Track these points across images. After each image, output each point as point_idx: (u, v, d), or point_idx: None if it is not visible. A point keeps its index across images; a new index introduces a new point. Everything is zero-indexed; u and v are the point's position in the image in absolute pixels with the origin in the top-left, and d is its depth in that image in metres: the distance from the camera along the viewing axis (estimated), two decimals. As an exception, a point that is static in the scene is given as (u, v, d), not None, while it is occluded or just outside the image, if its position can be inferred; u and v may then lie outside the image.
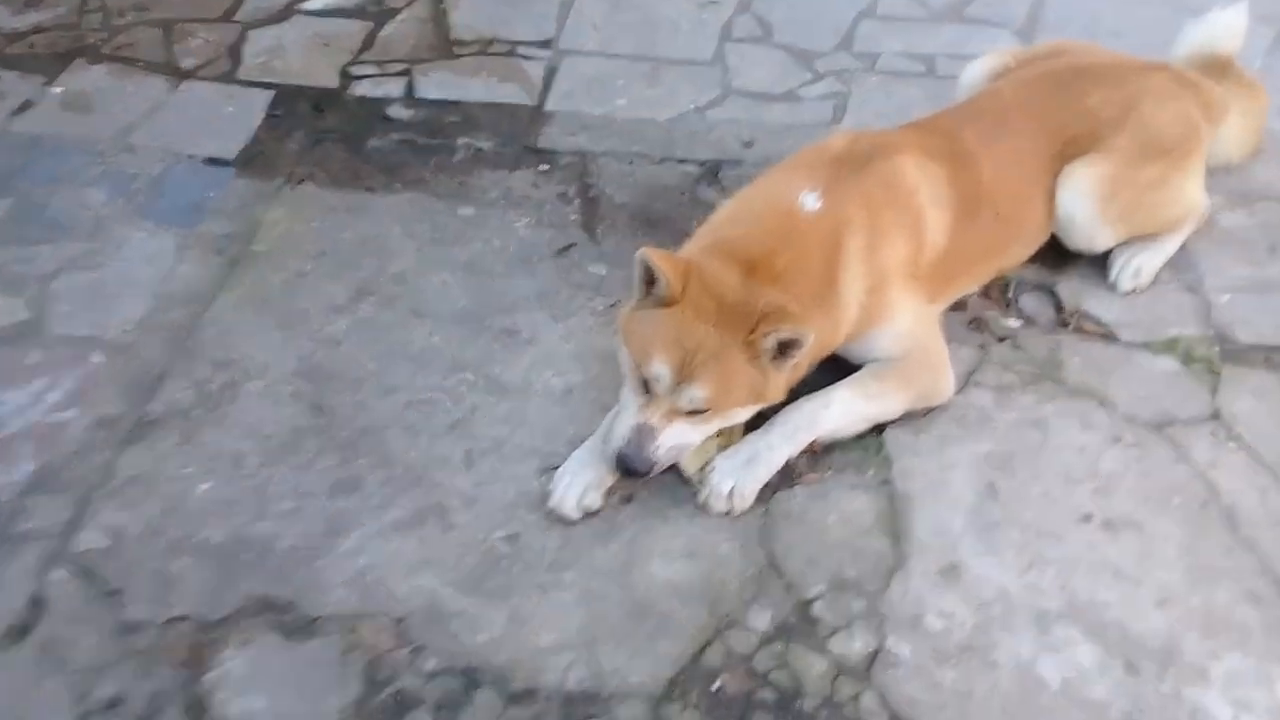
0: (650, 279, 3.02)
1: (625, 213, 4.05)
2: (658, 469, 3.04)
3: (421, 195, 4.12)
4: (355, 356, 3.55)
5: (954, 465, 3.25)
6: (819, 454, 3.28)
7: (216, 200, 4.11)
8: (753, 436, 3.19)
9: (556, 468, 3.17)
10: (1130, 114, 3.59)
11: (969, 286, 3.64)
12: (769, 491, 3.17)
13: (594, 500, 3.12)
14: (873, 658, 2.82)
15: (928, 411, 3.37)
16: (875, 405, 3.25)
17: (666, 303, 3.00)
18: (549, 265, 3.85)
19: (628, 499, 3.18)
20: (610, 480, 3.16)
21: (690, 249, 3.19)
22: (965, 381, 3.45)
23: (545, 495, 3.14)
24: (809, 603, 2.94)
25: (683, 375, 2.94)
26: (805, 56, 4.77)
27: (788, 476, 3.22)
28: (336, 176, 4.19)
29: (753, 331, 2.94)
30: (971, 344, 3.54)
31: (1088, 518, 3.11)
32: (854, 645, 2.85)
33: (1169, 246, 3.78)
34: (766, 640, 2.86)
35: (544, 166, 4.24)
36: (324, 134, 4.38)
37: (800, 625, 2.90)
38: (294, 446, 3.31)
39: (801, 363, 3.11)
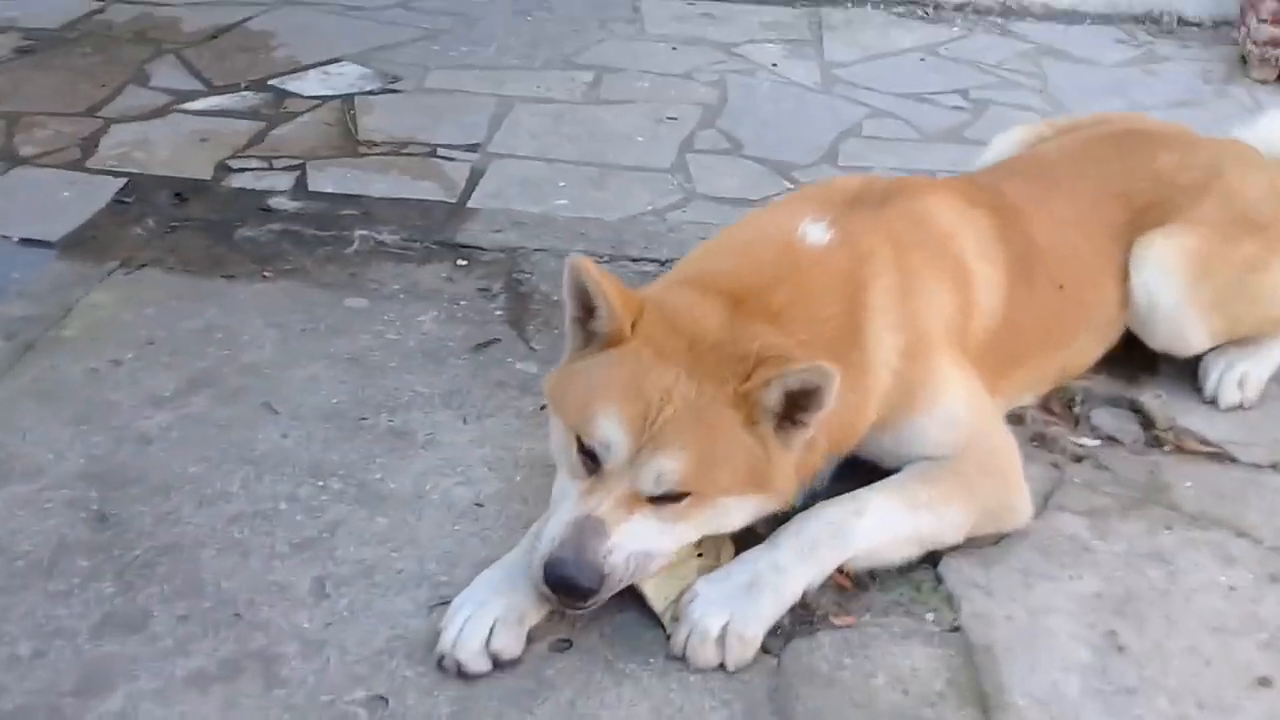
0: (587, 308, 2.05)
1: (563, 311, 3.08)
2: (609, 588, 1.98)
3: (298, 284, 3.15)
4: (170, 458, 2.47)
5: (1051, 610, 2.20)
6: (850, 589, 2.20)
7: (22, 282, 3.09)
8: (752, 554, 2.12)
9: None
10: (1214, 181, 2.81)
11: (1030, 385, 2.69)
12: (778, 639, 2.08)
13: (508, 643, 1.99)
14: None
15: (999, 540, 2.33)
16: (926, 520, 2.21)
17: (611, 340, 2.03)
18: (462, 363, 2.85)
19: (563, 645, 2.06)
20: (534, 614, 2.05)
21: (649, 290, 2.23)
22: (1042, 505, 2.43)
23: (434, 638, 2.00)
24: (859, 805, 1.79)
25: (645, 438, 1.94)
26: (781, 167, 4.00)
27: (806, 619, 2.13)
28: (191, 264, 3.22)
29: (747, 379, 1.97)
30: (1040, 462, 2.55)
31: (1265, 681, 2.06)
32: None
33: (1274, 355, 2.90)
34: None
35: (462, 261, 3.31)
36: (184, 222, 3.43)
37: (849, 841, 1.73)
38: (54, 568, 2.18)
39: (818, 446, 2.09)
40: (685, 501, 1.99)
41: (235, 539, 2.26)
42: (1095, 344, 2.82)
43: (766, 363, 1.98)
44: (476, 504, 2.38)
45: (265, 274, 3.19)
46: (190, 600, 2.11)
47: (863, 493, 2.20)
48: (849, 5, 5.69)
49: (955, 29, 5.53)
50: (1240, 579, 2.29)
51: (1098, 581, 2.27)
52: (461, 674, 1.96)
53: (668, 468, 1.95)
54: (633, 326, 2.04)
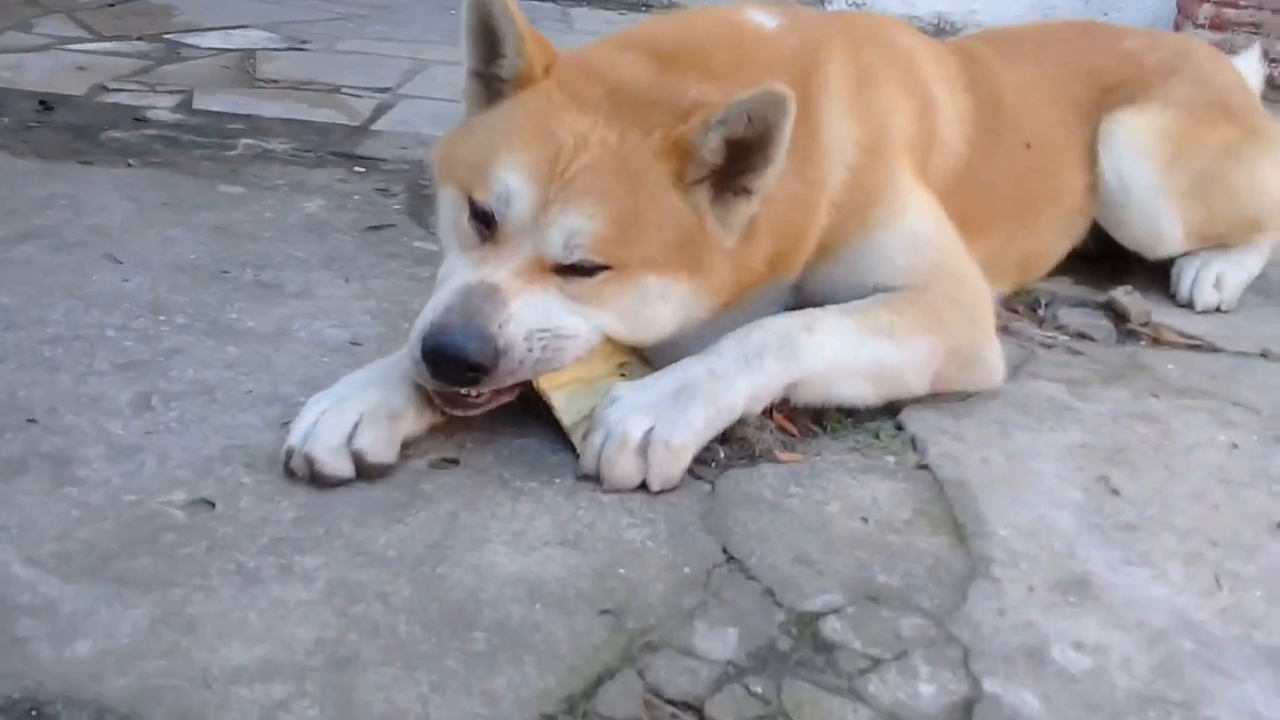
0: (489, 49, 1.72)
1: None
2: (505, 370, 1.58)
3: (165, 173, 2.77)
4: (-18, 292, 2.03)
5: (1032, 455, 1.86)
6: (796, 436, 1.83)
7: None
8: (684, 361, 1.74)
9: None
10: (1183, 63, 2.60)
11: (993, 267, 2.36)
12: (713, 469, 1.69)
13: (376, 444, 1.58)
14: (965, 710, 1.26)
15: (966, 398, 1.99)
16: (887, 350, 1.86)
17: (519, 82, 1.69)
18: (349, 238, 2.48)
19: (447, 463, 1.65)
20: (412, 418, 1.65)
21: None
22: (1013, 375, 2.10)
23: (281, 448, 1.59)
24: (814, 619, 1.40)
25: (553, 190, 1.58)
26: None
27: (745, 454, 1.75)
28: (45, 152, 2.82)
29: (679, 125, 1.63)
30: (1006, 344, 2.22)
31: (1287, 526, 1.71)
32: (920, 689, 1.30)
33: (1251, 261, 2.66)
34: (734, 674, 1.29)
35: (359, 169, 2.96)
36: (45, 124, 3.04)
37: (802, 653, 1.34)
38: None
39: (761, 242, 1.75)
40: (600, 277, 1.63)
41: (45, 357, 1.83)
42: (1060, 234, 2.54)
43: (701, 107, 1.64)
44: (353, 343, 1.99)
45: (129, 163, 2.80)
46: (-28, 406, 1.67)
47: (816, 310, 1.85)
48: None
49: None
50: (1243, 439, 1.98)
51: (1083, 434, 1.93)
52: (315, 477, 1.55)
53: (580, 226, 1.58)
54: (546, 70, 1.70)
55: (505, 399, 1.66)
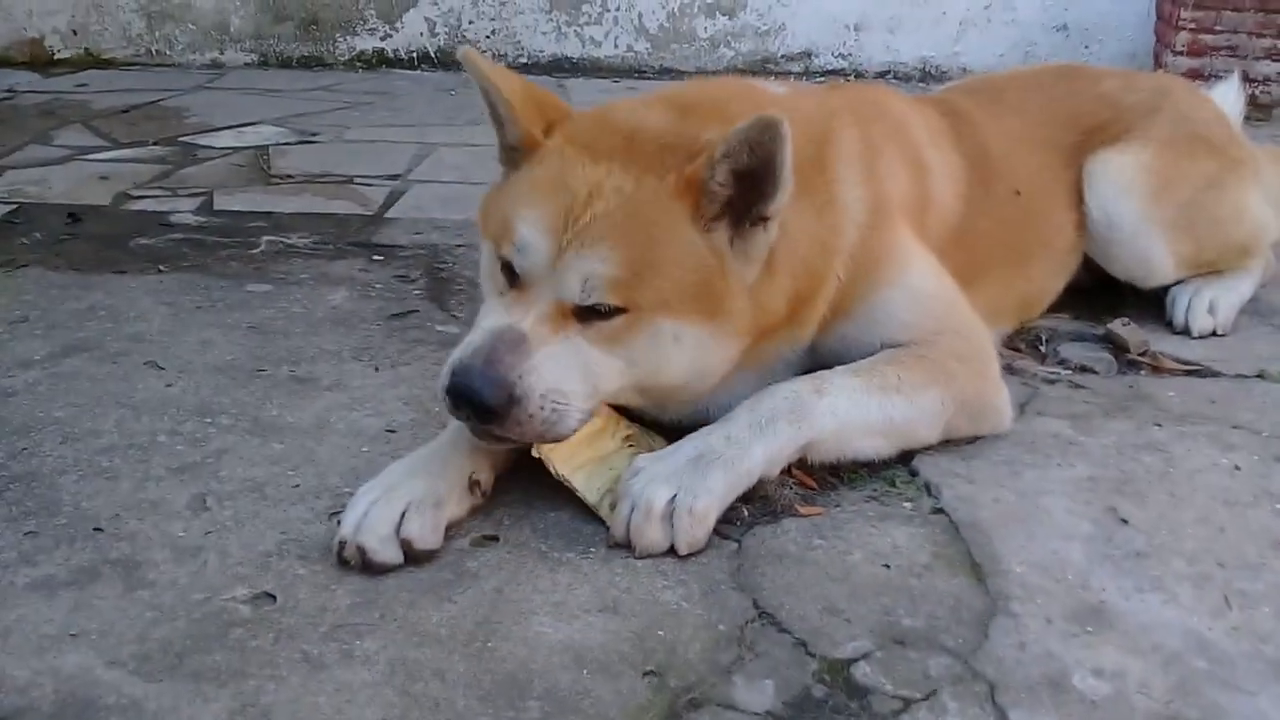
0: (497, 116, 1.87)
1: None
2: (518, 420, 1.67)
3: (195, 276, 2.89)
4: (36, 406, 2.16)
5: (1042, 492, 1.95)
6: (815, 488, 1.92)
7: (-111, 282, 2.80)
8: (700, 430, 1.85)
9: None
10: (1162, 101, 2.71)
11: (992, 311, 2.46)
12: (738, 527, 1.80)
13: (423, 531, 1.68)
14: (996, 742, 1.35)
15: (975, 440, 2.09)
16: (898, 405, 1.96)
17: (525, 144, 1.83)
18: (376, 328, 2.60)
19: (488, 540, 1.75)
20: (456, 502, 1.77)
21: None
22: (1019, 413, 2.20)
23: (331, 539, 1.70)
24: (845, 665, 1.49)
25: (568, 237, 1.69)
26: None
27: (767, 511, 1.85)
28: (79, 264, 2.96)
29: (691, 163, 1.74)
30: (1010, 383, 2.32)
31: (1290, 543, 1.79)
32: (952, 725, 1.38)
33: (1242, 287, 2.75)
34: (775, 723, 1.37)
35: (378, 257, 3.08)
36: (75, 236, 3.18)
37: (837, 700, 1.44)
38: (-118, 501, 1.83)
39: (780, 280, 1.85)
40: (619, 320, 1.72)
41: (103, 467, 1.94)
42: (1055, 274, 2.65)
43: (713, 145, 1.72)
44: (389, 430, 2.10)
45: (160, 269, 2.93)
46: (41, 519, 1.78)
47: (825, 372, 1.96)
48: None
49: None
50: (1244, 461, 2.07)
51: (1090, 468, 2.02)
52: (366, 565, 1.65)
53: (595, 269, 1.68)
54: (549, 130, 1.83)
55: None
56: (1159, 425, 2.19)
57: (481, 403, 1.63)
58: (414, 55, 5.94)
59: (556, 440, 1.74)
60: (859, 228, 1.99)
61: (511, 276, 1.76)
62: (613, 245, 1.68)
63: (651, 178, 1.73)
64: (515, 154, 1.88)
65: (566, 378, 1.70)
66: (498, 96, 1.82)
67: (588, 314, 1.71)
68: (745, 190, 1.73)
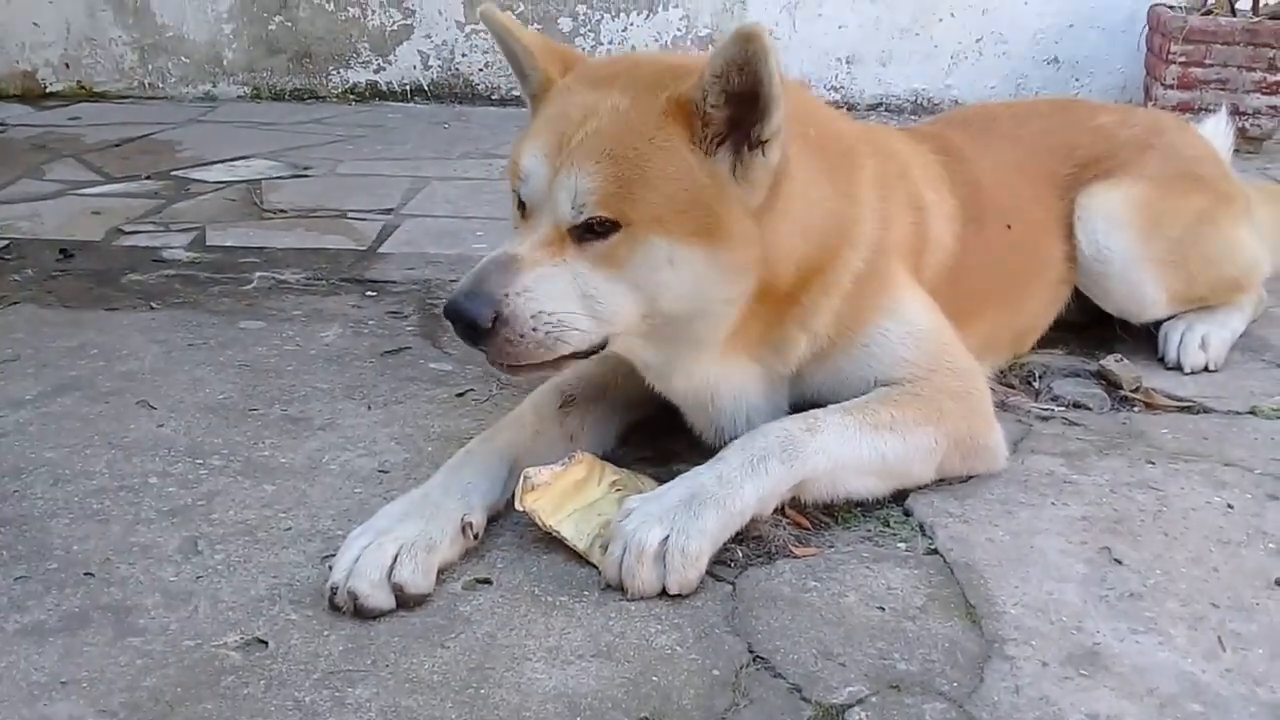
0: (519, 67, 1.94)
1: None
2: (508, 340, 1.70)
3: (187, 312, 2.89)
4: (27, 447, 2.15)
5: (1036, 532, 1.94)
6: (809, 528, 1.92)
7: (-122, 320, 2.79)
8: (691, 471, 1.84)
9: (350, 553, 1.74)
10: (1155, 138, 2.74)
11: (987, 348, 2.48)
12: (731, 569, 1.79)
13: (415, 576, 1.67)
14: (993, 791, 1.35)
15: (969, 478, 2.09)
16: (891, 444, 1.95)
17: (542, 87, 1.90)
18: (368, 365, 2.59)
19: (481, 584, 1.75)
20: (449, 546, 1.76)
21: None
22: (1013, 450, 2.20)
23: (323, 583, 1.69)
24: (840, 711, 1.48)
25: (562, 159, 1.72)
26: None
27: (761, 552, 1.84)
28: (71, 300, 2.95)
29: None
30: (1004, 420, 2.32)
31: (1284, 583, 1.79)
32: (948, 773, 1.37)
33: (1234, 322, 2.77)
34: (769, 772, 1.36)
35: (371, 293, 3.08)
36: (67, 272, 3.18)
37: (832, 746, 1.41)
38: None
39: (791, 216, 1.84)
40: (615, 239, 1.72)
41: (93, 510, 1.93)
42: (1047, 305, 2.66)
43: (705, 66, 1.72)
44: (381, 470, 2.09)
45: (153, 305, 2.92)
46: (32, 563, 1.77)
47: (817, 410, 1.95)
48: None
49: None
50: (1237, 499, 2.06)
51: (1084, 507, 2.02)
52: (358, 611, 1.64)
53: (582, 184, 1.70)
54: (566, 73, 1.88)
55: (541, 371, 1.82)
56: (1152, 463, 2.19)
57: (469, 319, 1.67)
58: (407, 88, 5.97)
59: (555, 361, 1.76)
60: (868, 245, 2.00)
61: (523, 209, 1.80)
62: (599, 160, 1.70)
63: (646, 97, 1.74)
64: (538, 102, 1.91)
65: (559, 300, 1.71)
66: (517, 44, 1.88)
67: (584, 235, 1.73)
68: (743, 114, 1.72)
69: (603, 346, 1.81)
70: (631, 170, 1.70)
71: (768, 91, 1.69)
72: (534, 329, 1.69)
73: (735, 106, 1.71)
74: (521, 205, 1.82)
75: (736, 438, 1.92)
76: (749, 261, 1.79)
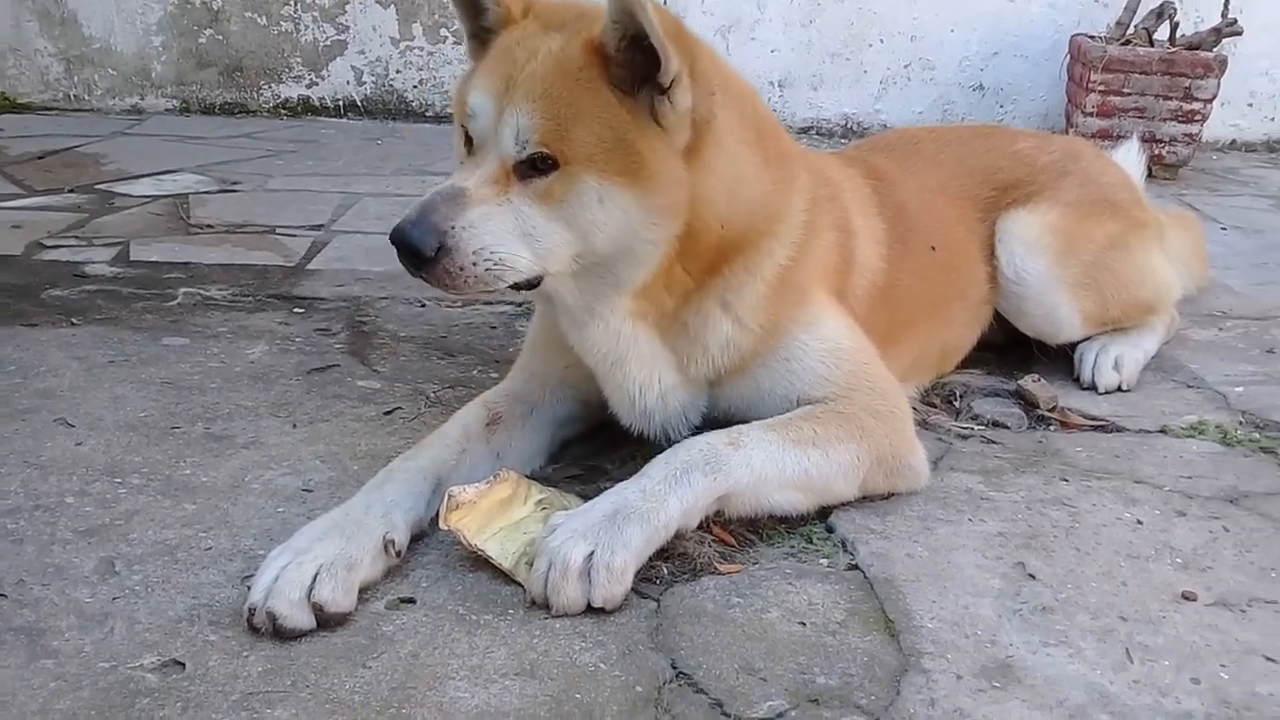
0: (475, 5, 1.96)
1: (412, 343, 2.86)
2: (450, 271, 1.78)
3: (109, 329, 2.84)
4: (-61, 467, 2.10)
5: (954, 548, 1.98)
6: (734, 545, 1.94)
7: None
8: (616, 486, 1.86)
9: (272, 573, 1.73)
10: (1072, 164, 2.82)
11: (912, 367, 2.53)
12: (657, 585, 1.80)
13: (335, 595, 1.67)
14: (907, 803, 1.37)
15: (890, 496, 2.13)
16: (814, 459, 1.98)
17: (502, 23, 1.94)
18: (295, 383, 2.57)
19: (405, 603, 1.74)
20: (370, 565, 1.75)
21: None
22: (933, 468, 2.24)
23: (242, 604, 1.67)
24: (760, 726, 1.50)
25: (506, 100, 1.80)
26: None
27: (686, 569, 1.86)
28: (-16, 317, 2.88)
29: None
30: (925, 439, 2.36)
31: (1188, 596, 1.85)
32: (864, 786, 1.39)
33: (1146, 344, 2.85)
34: (689, 787, 1.38)
35: (299, 310, 3.06)
36: (-18, 289, 3.11)
37: (751, 761, 1.43)
38: None
39: (719, 178, 1.91)
40: (553, 176, 1.79)
41: (7, 530, 1.89)
42: (970, 324, 2.72)
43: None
44: (305, 489, 2.07)
45: (73, 321, 2.87)
46: (-59, 585, 1.73)
47: (741, 426, 1.98)
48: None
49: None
50: (1146, 515, 2.13)
51: (1000, 523, 2.07)
52: (277, 631, 1.62)
53: (524, 121, 1.78)
54: (525, 12, 1.92)
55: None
56: (1066, 480, 2.25)
57: (412, 246, 1.74)
58: (340, 103, 5.94)
59: (488, 296, 1.87)
60: (788, 257, 2.04)
61: (469, 145, 1.86)
62: (539, 97, 1.78)
63: (575, 40, 1.81)
64: (487, 39, 1.94)
65: (502, 238, 1.79)
66: None
67: (527, 172, 1.80)
68: (650, 60, 1.78)
69: (538, 282, 1.88)
70: (565, 108, 1.78)
71: (654, 40, 1.75)
72: (474, 264, 1.77)
73: (640, 51, 1.78)
74: (468, 141, 1.88)
75: (656, 420, 2.05)
76: (674, 205, 1.86)
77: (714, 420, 2.10)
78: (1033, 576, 1.90)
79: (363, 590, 1.73)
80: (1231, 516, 2.13)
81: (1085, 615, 1.80)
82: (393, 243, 1.78)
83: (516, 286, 1.87)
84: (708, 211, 1.91)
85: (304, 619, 1.63)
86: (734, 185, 1.94)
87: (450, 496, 1.81)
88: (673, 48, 1.76)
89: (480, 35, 1.98)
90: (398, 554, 1.78)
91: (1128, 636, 1.75)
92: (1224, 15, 5.21)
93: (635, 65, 1.79)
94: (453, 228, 1.75)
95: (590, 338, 2.01)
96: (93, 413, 2.35)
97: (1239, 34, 5.23)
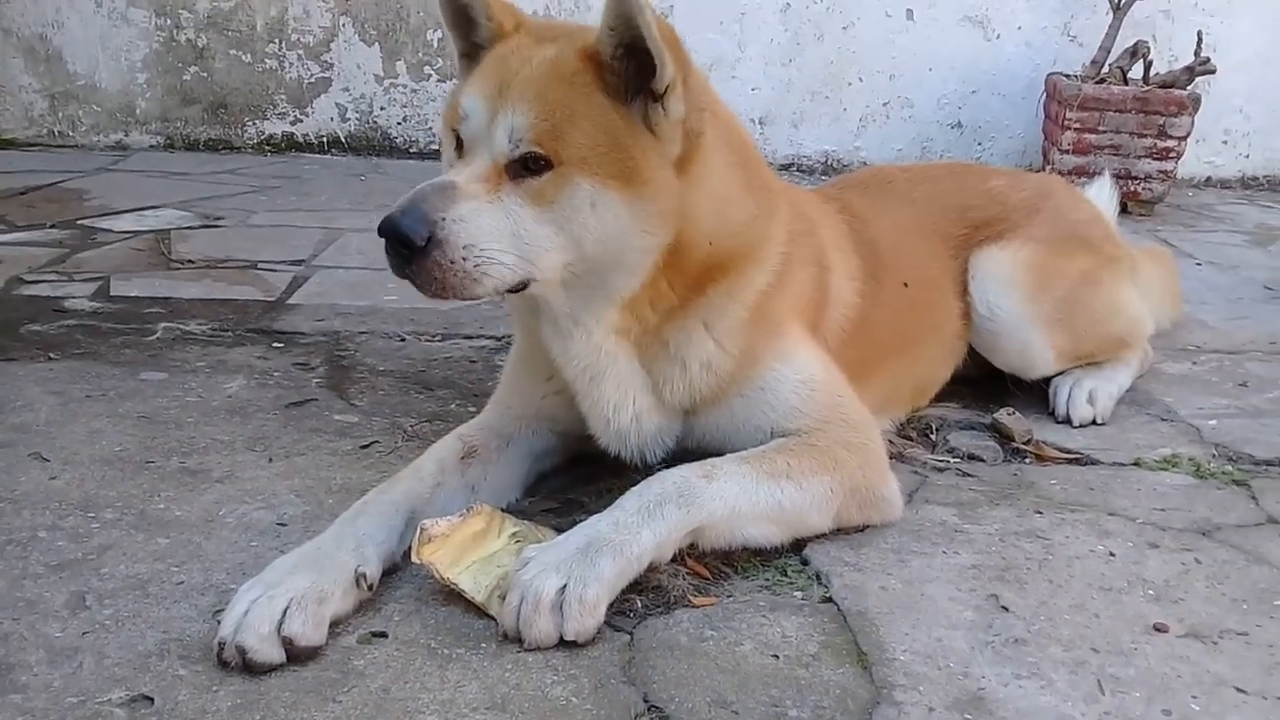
0: (464, 25, 2.00)
1: (391, 377, 2.87)
2: (438, 263, 1.78)
3: (87, 363, 2.84)
4: (-90, 501, 2.09)
5: (927, 580, 1.99)
6: (708, 578, 1.95)
7: None
8: (590, 519, 1.86)
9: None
10: (1044, 202, 2.86)
11: (887, 400, 2.55)
12: (630, 619, 1.80)
13: (305, 628, 1.66)
14: (877, 836, 1.37)
15: (865, 528, 2.13)
16: (787, 491, 1.99)
17: (493, 39, 1.97)
18: (272, 417, 2.57)
19: (376, 637, 1.73)
20: (340, 598, 1.74)
21: None
22: (908, 500, 2.25)
23: (213, 638, 1.67)
24: (731, 760, 1.50)
25: (500, 101, 1.82)
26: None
27: (660, 601, 1.86)
28: (-39, 352, 2.88)
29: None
30: (901, 471, 2.38)
31: (1160, 628, 1.86)
32: (834, 819, 1.39)
33: (1120, 378, 2.87)
34: (658, 820, 1.37)
35: (278, 344, 3.06)
36: (-39, 323, 3.10)
37: (721, 794, 1.43)
38: None
39: (708, 193, 1.95)
40: (546, 177, 1.81)
41: (-22, 564, 1.88)
42: (944, 359, 2.74)
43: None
44: (279, 523, 2.07)
45: (51, 356, 2.87)
46: (-91, 620, 1.72)
47: (714, 459, 1.99)
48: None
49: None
50: (1119, 547, 2.14)
51: (974, 556, 2.08)
52: (247, 666, 1.61)
53: (519, 121, 1.80)
54: (517, 27, 1.96)
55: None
56: (1040, 513, 2.26)
57: (402, 235, 1.73)
58: (324, 140, 5.97)
59: (474, 297, 1.84)
60: (772, 271, 2.07)
61: (459, 149, 1.88)
62: (533, 99, 1.81)
63: (569, 47, 1.85)
64: (479, 53, 1.97)
65: (492, 235, 1.79)
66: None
67: (519, 172, 1.81)
68: (645, 68, 1.81)
69: (524, 286, 1.89)
70: (560, 110, 1.80)
71: (651, 44, 1.78)
72: (464, 258, 1.77)
73: (635, 59, 1.81)
74: (459, 146, 1.90)
75: (631, 441, 2.08)
76: (665, 213, 1.88)
77: (687, 452, 2.11)
78: (1006, 609, 1.90)
79: (334, 624, 1.72)
80: (1203, 549, 2.15)
81: (1057, 647, 1.80)
82: (381, 234, 1.77)
83: (499, 290, 1.87)
84: (696, 226, 1.94)
85: (274, 653, 1.62)
86: (720, 205, 1.98)
87: (423, 530, 1.81)
88: (669, 55, 1.80)
89: (472, 54, 2.01)
90: (370, 587, 1.78)
91: (1100, 668, 1.75)
92: (1197, 54, 5.29)
93: (629, 74, 1.83)
94: (443, 219, 1.76)
95: (572, 349, 2.02)
96: (68, 447, 2.34)
97: (1212, 72, 5.31)
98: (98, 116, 5.88)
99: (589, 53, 1.84)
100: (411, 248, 1.75)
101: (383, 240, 1.79)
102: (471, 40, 2.00)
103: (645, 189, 1.85)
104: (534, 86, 1.82)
